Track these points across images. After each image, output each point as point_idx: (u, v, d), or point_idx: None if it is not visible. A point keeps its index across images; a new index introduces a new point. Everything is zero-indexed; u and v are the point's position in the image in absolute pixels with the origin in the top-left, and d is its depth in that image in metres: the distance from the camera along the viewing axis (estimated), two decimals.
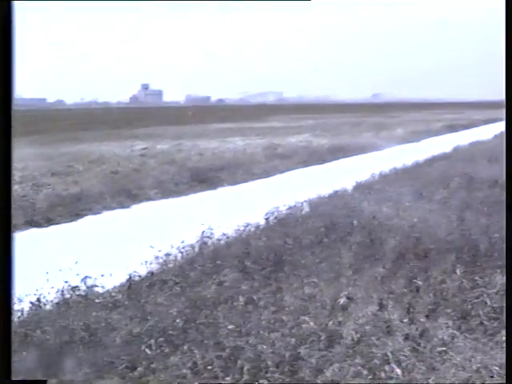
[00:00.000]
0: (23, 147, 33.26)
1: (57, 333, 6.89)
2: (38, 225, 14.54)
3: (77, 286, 8.54)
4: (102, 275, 9.06)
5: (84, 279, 8.74)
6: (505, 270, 6.48)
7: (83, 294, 8.38)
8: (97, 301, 8.16)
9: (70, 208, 16.02)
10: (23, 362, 6.30)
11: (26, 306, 7.89)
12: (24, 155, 28.08)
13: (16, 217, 14.81)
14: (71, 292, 8.40)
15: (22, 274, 9.94)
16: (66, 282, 8.61)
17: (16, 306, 7.78)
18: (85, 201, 16.82)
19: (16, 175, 21.98)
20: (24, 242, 13.22)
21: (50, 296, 8.25)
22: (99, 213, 16.09)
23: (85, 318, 7.31)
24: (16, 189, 18.91)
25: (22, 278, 9.65)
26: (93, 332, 6.97)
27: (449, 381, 5.83)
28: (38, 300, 8.05)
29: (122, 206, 16.84)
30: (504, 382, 5.26)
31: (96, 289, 8.62)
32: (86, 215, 15.73)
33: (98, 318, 7.38)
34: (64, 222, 14.91)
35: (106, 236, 13.38)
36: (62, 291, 8.39)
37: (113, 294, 8.49)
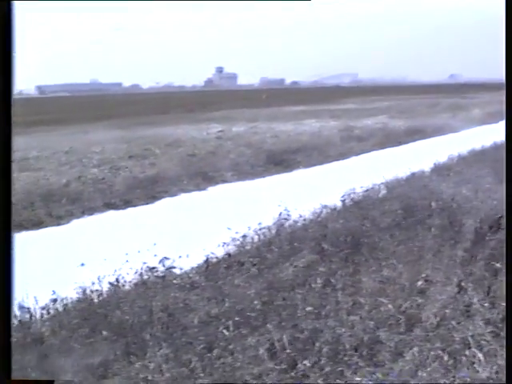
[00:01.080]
0: (101, 131, 33.87)
1: (135, 313, 6.96)
2: (115, 207, 14.74)
3: (155, 267, 8.63)
4: (180, 256, 9.14)
5: (162, 260, 8.83)
6: None
7: (161, 274, 8.47)
8: (174, 282, 8.22)
9: (147, 190, 16.19)
10: (103, 341, 6.38)
11: (105, 287, 8.00)
12: (101, 139, 28.55)
13: (94, 199, 15.07)
14: (149, 273, 8.49)
15: (101, 255, 10.16)
16: (144, 263, 8.71)
17: (95, 287, 7.91)
18: (162, 183, 16.97)
19: (94, 158, 22.40)
20: (102, 223, 13.46)
21: (129, 277, 8.35)
22: (176, 195, 16.21)
23: (163, 299, 7.36)
24: (94, 172, 19.26)
25: (101, 259, 9.87)
26: (171, 313, 7.02)
27: None
28: (117, 280, 8.16)
29: (199, 189, 16.93)
30: (504, 382, 5.13)
31: (173, 270, 8.70)
32: (163, 197, 15.87)
33: (176, 298, 7.43)
34: (141, 204, 15.08)
35: (183, 218, 13.47)
36: (141, 272, 8.49)
37: (190, 275, 8.54)
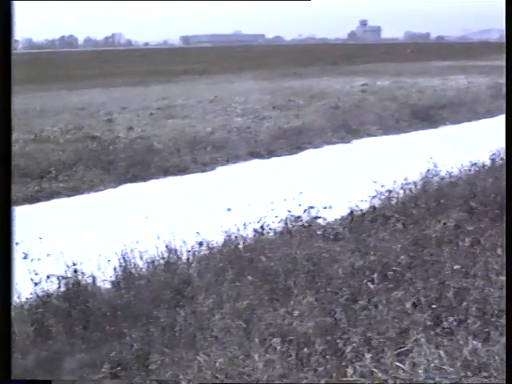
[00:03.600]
0: (244, 81, 34.14)
1: (280, 261, 6.99)
2: (260, 156, 14.86)
3: (299, 217, 8.64)
4: (324, 207, 9.12)
5: (307, 210, 8.83)
6: None
7: (305, 224, 8.47)
8: (318, 232, 8.20)
9: (291, 141, 16.21)
10: (248, 286, 6.45)
11: (250, 233, 8.08)
12: (245, 89, 28.80)
13: (239, 148, 15.24)
14: (294, 222, 8.52)
15: (246, 202, 10.30)
16: (289, 211, 8.75)
17: (241, 232, 8.02)
18: (305, 134, 16.95)
19: (238, 108, 22.66)
20: (247, 172, 13.60)
21: (274, 224, 8.41)
22: (320, 147, 16.15)
23: (307, 248, 7.37)
24: (239, 121, 19.48)
25: (245, 206, 10.01)
26: (315, 262, 7.01)
27: None
28: (262, 228, 8.22)
29: (343, 141, 16.80)
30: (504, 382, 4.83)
31: (318, 220, 8.68)
32: (307, 148, 15.86)
33: (320, 249, 7.41)
34: (285, 155, 15.12)
35: (327, 169, 13.42)
36: (285, 221, 8.52)
37: (334, 226, 8.50)
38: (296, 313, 5.88)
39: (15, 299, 6.59)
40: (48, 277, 6.91)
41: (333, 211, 9.24)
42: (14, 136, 17.81)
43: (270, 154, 15.03)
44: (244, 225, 8.18)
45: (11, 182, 3.87)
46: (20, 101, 27.63)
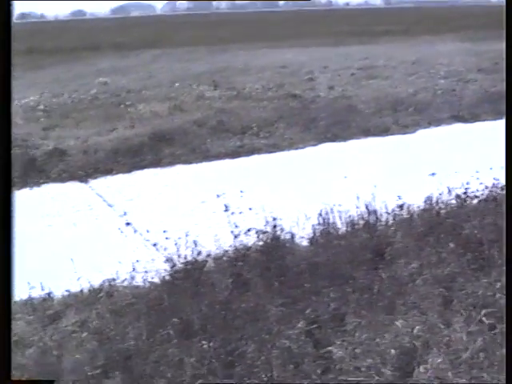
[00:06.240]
0: (449, 42, 33.21)
1: (484, 229, 6.69)
2: (463, 120, 14.35)
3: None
4: None
5: None
6: None
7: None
8: None
9: (496, 105, 15.10)
10: (450, 254, 6.25)
11: (453, 199, 7.83)
12: (449, 50, 28.03)
13: (442, 110, 14.86)
14: (500, 190, 8.14)
15: (447, 167, 10.00)
16: (495, 179, 8.37)
17: (444, 198, 7.80)
18: None
19: (441, 70, 22.12)
20: (449, 135, 13.22)
21: (478, 192, 8.09)
22: None
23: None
24: (442, 83, 19.01)
25: (446, 170, 9.71)
26: None
27: None
28: (465, 194, 7.93)
29: None
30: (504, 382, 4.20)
31: None
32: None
33: None
34: (490, 120, 14.41)
35: None
36: (491, 188, 8.17)
37: None
38: (499, 284, 5.63)
39: (215, 250, 6.79)
40: (248, 230, 7.04)
41: None
42: (217, 93, 18.34)
43: (474, 118, 14.46)
44: (449, 190, 7.93)
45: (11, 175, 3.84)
46: (224, 58, 28.43)
